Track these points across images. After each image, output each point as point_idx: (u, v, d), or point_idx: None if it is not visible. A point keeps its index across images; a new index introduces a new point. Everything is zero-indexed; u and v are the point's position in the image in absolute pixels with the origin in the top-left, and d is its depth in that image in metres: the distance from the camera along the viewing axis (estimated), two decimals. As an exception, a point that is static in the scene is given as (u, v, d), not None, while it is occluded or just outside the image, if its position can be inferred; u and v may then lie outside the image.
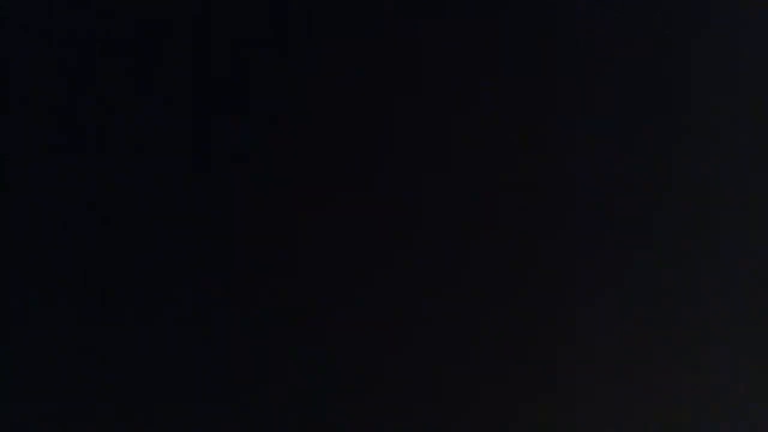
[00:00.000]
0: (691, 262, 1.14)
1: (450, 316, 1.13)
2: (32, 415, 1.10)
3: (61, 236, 1.12)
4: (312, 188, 1.13)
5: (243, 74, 1.14)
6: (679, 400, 1.12)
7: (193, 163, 1.13)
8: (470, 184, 1.13)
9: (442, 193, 1.13)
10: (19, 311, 1.11)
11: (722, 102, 1.15)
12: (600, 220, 1.14)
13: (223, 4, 1.14)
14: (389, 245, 1.13)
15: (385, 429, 1.11)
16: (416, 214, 1.13)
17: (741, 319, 1.13)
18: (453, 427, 1.12)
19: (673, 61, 1.15)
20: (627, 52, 1.15)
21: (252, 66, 1.14)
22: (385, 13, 1.15)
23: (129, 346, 1.11)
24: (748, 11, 1.16)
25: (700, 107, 1.15)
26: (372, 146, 1.14)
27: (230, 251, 1.12)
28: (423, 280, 1.13)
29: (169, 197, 1.12)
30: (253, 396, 1.11)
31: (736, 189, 1.14)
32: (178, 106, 1.13)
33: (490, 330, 1.12)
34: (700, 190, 1.14)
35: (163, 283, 1.12)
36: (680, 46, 1.15)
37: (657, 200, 1.14)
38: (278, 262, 1.12)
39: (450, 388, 1.12)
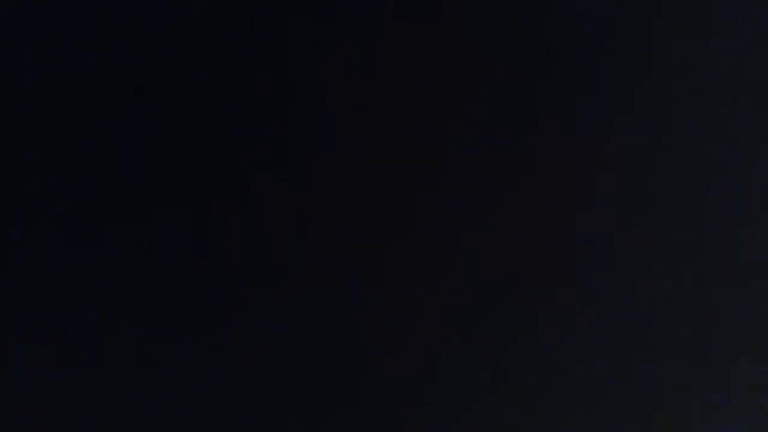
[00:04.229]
0: (691, 262, 1.14)
1: (450, 317, 1.13)
2: (33, 416, 1.11)
3: (60, 238, 1.12)
4: (310, 189, 1.13)
5: (243, 75, 1.14)
6: (678, 400, 1.12)
7: (193, 165, 1.13)
8: (470, 185, 1.14)
9: (441, 195, 1.13)
10: (19, 313, 1.11)
11: (724, 102, 1.15)
12: (600, 220, 1.14)
13: (223, 4, 1.14)
14: (388, 247, 1.13)
15: (384, 429, 1.12)
16: (415, 215, 1.13)
17: (742, 318, 1.13)
18: (451, 426, 1.12)
19: (673, 62, 1.16)
20: (628, 52, 1.15)
21: (251, 66, 1.14)
22: (385, 13, 1.15)
23: (129, 349, 1.11)
24: (748, 11, 1.16)
25: (699, 107, 1.15)
26: (372, 148, 1.14)
27: (230, 252, 1.12)
28: (423, 281, 1.13)
29: (169, 199, 1.13)
30: (252, 397, 1.12)
31: (737, 189, 1.15)
32: (178, 107, 1.13)
33: (489, 331, 1.13)
34: (701, 190, 1.14)
35: (163, 284, 1.12)
36: (681, 47, 1.16)
37: (658, 200, 1.14)
38: (277, 262, 1.12)
39: (449, 387, 1.12)
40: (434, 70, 1.14)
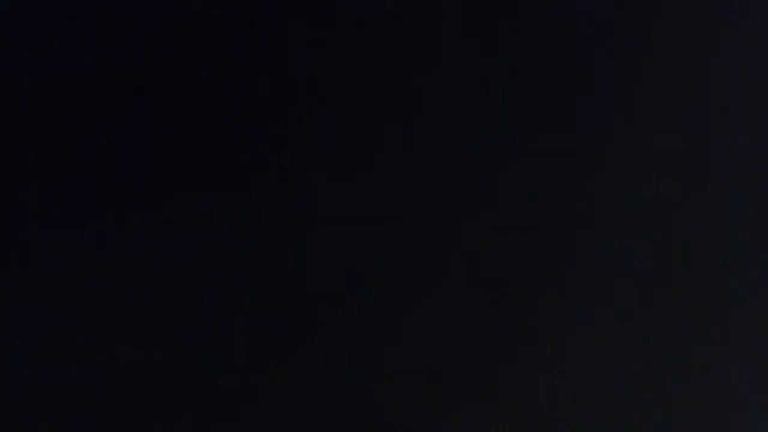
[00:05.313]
0: (691, 262, 1.14)
1: (450, 318, 1.13)
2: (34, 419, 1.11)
3: (60, 237, 1.12)
4: (310, 189, 1.13)
5: (243, 75, 1.14)
6: (678, 400, 1.12)
7: (193, 165, 1.13)
8: (469, 185, 1.14)
9: (441, 195, 1.13)
10: (19, 313, 1.11)
11: (724, 102, 1.15)
12: (600, 220, 1.14)
13: (223, 4, 1.14)
14: (388, 247, 1.13)
15: (384, 428, 1.12)
16: (414, 215, 1.13)
17: (742, 318, 1.13)
18: (452, 426, 1.12)
19: (673, 62, 1.16)
20: (628, 52, 1.15)
21: (251, 66, 1.14)
22: (385, 13, 1.15)
23: (129, 349, 1.11)
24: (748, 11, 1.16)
25: (699, 107, 1.15)
26: (372, 148, 1.14)
27: (230, 252, 1.12)
28: (423, 281, 1.13)
29: (169, 199, 1.13)
30: (254, 399, 1.12)
31: (737, 189, 1.14)
32: (178, 107, 1.13)
33: (489, 331, 1.13)
34: (701, 190, 1.14)
35: (163, 284, 1.12)
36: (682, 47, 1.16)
37: (659, 201, 1.14)
38: (277, 262, 1.12)
39: (449, 387, 1.12)
40: (434, 70, 1.14)
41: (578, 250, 1.13)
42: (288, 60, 1.14)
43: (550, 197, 1.14)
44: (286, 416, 1.12)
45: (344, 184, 1.13)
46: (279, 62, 1.14)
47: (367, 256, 1.13)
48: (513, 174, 1.14)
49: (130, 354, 1.11)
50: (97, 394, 1.11)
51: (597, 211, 1.14)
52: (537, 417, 1.12)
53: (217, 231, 1.12)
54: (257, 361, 1.11)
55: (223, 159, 1.13)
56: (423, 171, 1.14)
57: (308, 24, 1.14)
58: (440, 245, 1.13)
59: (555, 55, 1.15)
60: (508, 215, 1.13)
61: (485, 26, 1.15)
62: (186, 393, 1.11)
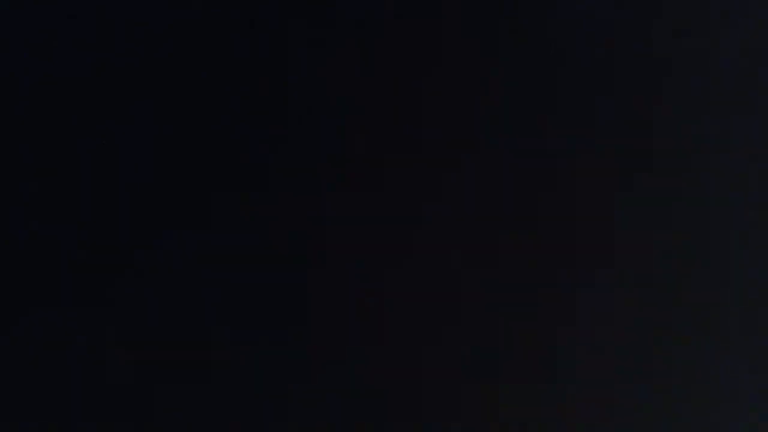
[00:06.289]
0: (691, 262, 1.14)
1: (454, 319, 1.13)
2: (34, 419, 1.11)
3: (59, 238, 1.12)
4: (310, 189, 1.13)
5: (243, 75, 1.14)
6: (679, 401, 1.12)
7: (193, 165, 1.13)
8: (469, 185, 1.14)
9: (441, 195, 1.13)
10: (19, 313, 1.11)
11: (724, 102, 1.15)
12: (599, 219, 1.14)
13: (223, 4, 1.14)
14: (389, 247, 1.13)
15: (384, 429, 1.12)
16: (415, 215, 1.13)
17: (742, 319, 1.13)
18: (452, 426, 1.12)
19: (673, 62, 1.16)
20: (628, 52, 1.15)
21: (251, 66, 1.14)
22: (385, 13, 1.15)
23: (128, 349, 1.11)
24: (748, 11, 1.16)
25: (699, 107, 1.15)
26: (372, 148, 1.14)
27: (230, 252, 1.12)
28: (423, 281, 1.13)
29: (168, 199, 1.13)
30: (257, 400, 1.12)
31: (737, 189, 1.15)
32: (178, 107, 1.13)
33: (490, 331, 1.13)
34: (701, 190, 1.14)
35: (162, 284, 1.12)
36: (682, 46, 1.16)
37: (658, 201, 1.14)
38: (277, 261, 1.12)
39: (449, 388, 1.12)
40: (434, 70, 1.14)
41: (578, 250, 1.13)
42: (288, 60, 1.14)
43: (550, 197, 1.14)
44: (286, 416, 1.12)
45: (345, 184, 1.13)
46: (279, 62, 1.14)
47: (368, 256, 1.13)
48: (513, 174, 1.14)
49: (130, 354, 1.11)
50: (97, 394, 1.11)
51: (597, 212, 1.14)
52: (537, 417, 1.12)
53: (217, 231, 1.12)
54: (257, 361, 1.11)
55: (223, 159, 1.13)
56: (423, 171, 1.14)
57: (308, 24, 1.14)
58: (441, 246, 1.13)
59: (555, 55, 1.15)
60: (508, 215, 1.13)
61: (485, 26, 1.15)
62: (186, 393, 1.11)
